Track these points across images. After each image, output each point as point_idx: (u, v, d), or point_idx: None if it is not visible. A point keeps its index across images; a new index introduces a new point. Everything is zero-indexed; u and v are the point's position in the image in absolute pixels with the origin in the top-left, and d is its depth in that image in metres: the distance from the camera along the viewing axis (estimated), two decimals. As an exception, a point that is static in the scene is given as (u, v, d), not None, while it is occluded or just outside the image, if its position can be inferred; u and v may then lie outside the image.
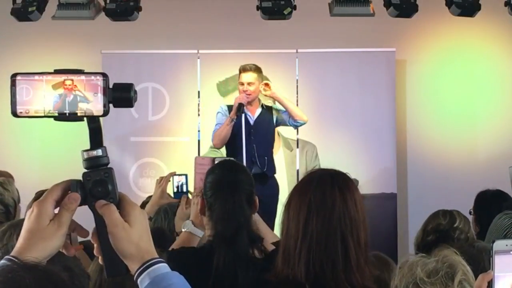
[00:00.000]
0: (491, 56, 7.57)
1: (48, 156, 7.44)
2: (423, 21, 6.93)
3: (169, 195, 4.43)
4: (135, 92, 1.51)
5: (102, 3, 6.09)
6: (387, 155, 7.21)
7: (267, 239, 2.95)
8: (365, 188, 6.92)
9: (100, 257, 1.49)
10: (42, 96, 1.46)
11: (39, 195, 4.92)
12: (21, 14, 5.94)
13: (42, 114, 1.47)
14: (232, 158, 3.73)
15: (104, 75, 1.48)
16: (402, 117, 7.51)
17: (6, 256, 1.39)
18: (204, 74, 7.23)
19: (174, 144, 7.22)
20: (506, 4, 6.00)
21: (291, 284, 2.25)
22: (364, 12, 6.06)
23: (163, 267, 1.45)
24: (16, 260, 1.36)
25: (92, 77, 1.47)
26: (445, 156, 7.48)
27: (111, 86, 1.49)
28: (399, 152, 7.37)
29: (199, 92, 7.23)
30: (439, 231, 3.73)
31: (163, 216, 4.02)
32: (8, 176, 4.95)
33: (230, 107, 6.37)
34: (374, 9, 6.06)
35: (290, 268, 2.26)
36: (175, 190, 4.48)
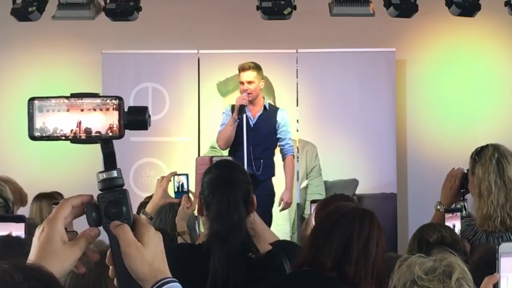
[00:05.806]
0: (491, 56, 7.57)
1: (48, 159, 7.44)
2: (423, 21, 6.93)
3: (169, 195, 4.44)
4: (149, 115, 1.52)
5: (102, 3, 6.10)
6: (387, 155, 7.20)
7: (265, 238, 2.97)
8: (365, 188, 6.92)
9: (115, 279, 1.50)
10: (59, 120, 1.47)
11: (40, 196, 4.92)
12: (21, 14, 5.95)
13: (59, 137, 1.47)
14: (229, 158, 3.74)
15: (119, 98, 1.48)
16: (402, 117, 7.50)
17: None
18: (204, 74, 7.22)
19: (174, 144, 7.22)
20: (506, 4, 6.00)
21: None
22: (364, 12, 6.06)
23: (176, 286, 1.46)
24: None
25: (108, 101, 1.48)
26: (445, 156, 7.46)
27: (126, 109, 1.49)
28: (399, 152, 7.36)
29: (199, 92, 7.22)
30: (444, 243, 3.21)
31: (163, 216, 4.02)
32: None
33: (233, 107, 6.35)
34: (374, 9, 6.07)
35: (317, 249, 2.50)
36: (176, 190, 4.48)
